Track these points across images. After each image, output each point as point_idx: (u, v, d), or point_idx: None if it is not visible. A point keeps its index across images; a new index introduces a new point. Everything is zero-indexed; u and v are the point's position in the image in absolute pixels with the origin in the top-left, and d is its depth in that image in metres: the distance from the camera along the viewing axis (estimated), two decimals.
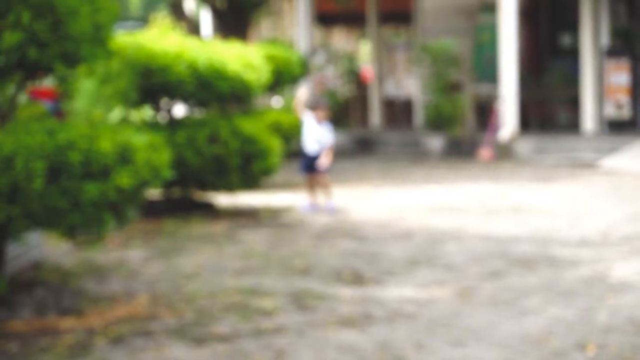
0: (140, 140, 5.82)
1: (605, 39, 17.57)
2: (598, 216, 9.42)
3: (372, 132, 20.40)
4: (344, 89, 20.76)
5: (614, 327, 5.30)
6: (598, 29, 17.55)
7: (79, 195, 5.51)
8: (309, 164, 10.47)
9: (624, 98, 17.02)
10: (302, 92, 11.25)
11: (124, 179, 5.60)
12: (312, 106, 10.53)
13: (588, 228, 8.73)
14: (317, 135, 10.38)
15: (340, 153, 18.98)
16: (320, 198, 10.42)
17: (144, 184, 5.84)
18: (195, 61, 9.59)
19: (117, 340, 5.33)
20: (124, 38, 9.43)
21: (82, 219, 5.62)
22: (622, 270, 6.82)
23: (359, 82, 23.80)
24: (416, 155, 16.96)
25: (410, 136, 18.25)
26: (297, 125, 13.70)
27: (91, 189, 5.52)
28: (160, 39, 9.80)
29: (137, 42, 9.52)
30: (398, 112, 22.72)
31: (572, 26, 19.80)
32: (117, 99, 8.37)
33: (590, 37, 17.42)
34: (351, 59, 20.59)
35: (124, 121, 7.18)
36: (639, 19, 19.24)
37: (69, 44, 5.84)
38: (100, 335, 5.45)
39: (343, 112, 20.61)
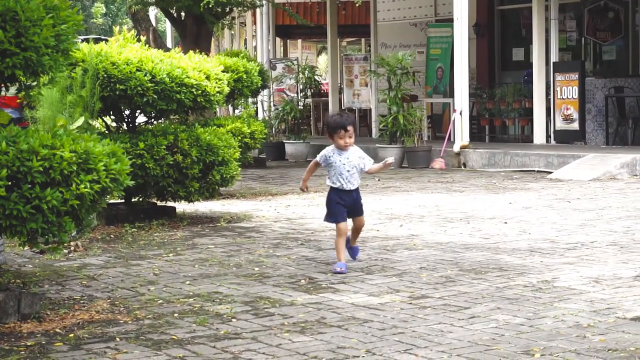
0: (101, 148, 5.96)
1: (555, 54, 17.93)
2: (547, 225, 9.68)
3: (330, 142, 20.53)
4: (303, 100, 20.94)
5: (560, 333, 5.50)
6: (549, 44, 17.91)
7: (40, 202, 5.64)
8: (341, 208, 7.58)
9: (573, 111, 17.36)
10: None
11: (84, 187, 5.73)
12: (332, 128, 7.58)
13: (537, 237, 8.97)
14: (349, 170, 7.56)
15: (298, 163, 19.16)
16: (342, 244, 7.61)
17: (104, 192, 5.98)
18: (156, 71, 9.75)
19: (77, 345, 5.45)
20: (87, 48, 9.56)
21: (42, 225, 5.74)
22: (569, 277, 7.05)
23: (318, 93, 24.01)
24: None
25: (367, 146, 18.46)
26: (257, 134, 13.88)
27: (52, 196, 5.65)
28: (122, 49, 9.95)
29: (99, 53, 9.66)
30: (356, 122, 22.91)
31: (525, 41, 20.16)
32: (80, 108, 8.48)
33: (541, 52, 17.76)
34: (311, 70, 20.78)
35: (86, 130, 7.30)
36: (588, 35, 19.62)
37: (32, 53, 5.97)
38: (59, 340, 5.57)
39: (302, 122, 20.78)
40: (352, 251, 7.94)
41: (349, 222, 7.80)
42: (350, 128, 7.55)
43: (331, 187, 7.65)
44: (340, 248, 7.59)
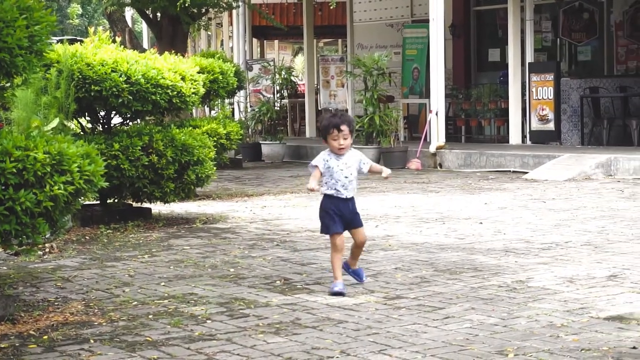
0: (75, 149, 5.94)
1: (530, 55, 18.03)
2: (522, 225, 9.72)
3: (306, 143, 20.58)
4: (279, 101, 20.94)
5: (534, 333, 5.52)
6: (524, 44, 18.00)
7: (14, 203, 5.62)
8: (335, 218, 6.78)
9: (548, 111, 17.46)
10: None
11: (58, 188, 5.71)
12: (324, 128, 6.80)
13: (512, 237, 9.01)
14: (347, 177, 6.78)
15: (275, 164, 19.15)
16: (338, 261, 6.83)
17: (78, 193, 5.96)
18: (131, 72, 9.73)
19: (50, 347, 5.43)
20: (62, 49, 9.53)
21: (16, 227, 5.72)
22: (543, 277, 7.08)
23: (294, 94, 24.01)
24: None
25: None
26: (233, 135, 13.87)
27: (25, 198, 5.63)
28: (97, 50, 9.92)
29: (74, 53, 9.63)
30: None
31: (501, 42, 20.25)
32: (54, 109, 8.45)
33: (517, 53, 17.84)
34: (287, 70, 20.79)
35: (61, 131, 7.27)
36: (563, 36, 19.73)
37: (5, 55, 5.94)
38: (33, 342, 5.54)
39: (278, 123, 20.78)
40: (356, 275, 7.02)
41: (348, 238, 6.93)
42: (344, 128, 6.70)
43: (325, 195, 6.80)
44: (336, 265, 6.76)
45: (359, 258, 7.09)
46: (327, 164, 6.75)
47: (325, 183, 6.81)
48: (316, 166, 6.76)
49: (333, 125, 6.71)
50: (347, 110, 21.69)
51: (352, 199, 6.84)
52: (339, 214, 6.76)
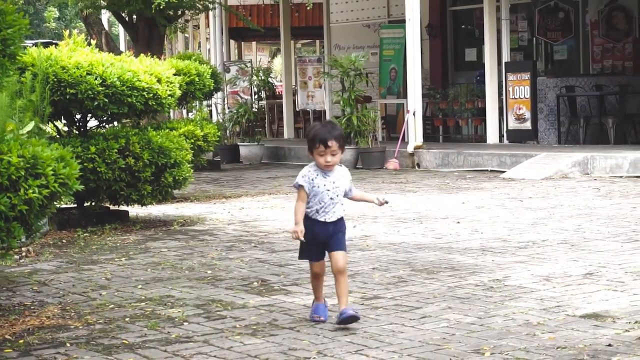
0: (49, 153, 5.91)
1: (507, 54, 18.10)
2: (499, 224, 9.75)
3: (284, 144, 20.59)
4: (257, 102, 20.92)
5: (510, 331, 5.54)
6: (500, 44, 18.06)
7: None
8: (313, 245, 5.84)
9: (525, 110, 17.53)
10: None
11: (32, 192, 5.69)
12: (310, 141, 5.88)
13: (489, 236, 9.04)
14: (332, 198, 5.85)
15: (253, 165, 19.14)
16: (317, 283, 5.99)
17: (53, 196, 5.94)
18: (106, 75, 9.69)
19: (26, 351, 5.41)
20: (36, 52, 9.48)
21: None
22: (520, 276, 7.11)
23: (272, 95, 23.99)
24: None
25: None
26: (210, 137, 13.85)
27: (0, 201, 5.60)
28: (72, 53, 9.88)
29: (49, 56, 9.59)
30: (311, 124, 22.90)
31: (477, 41, 20.33)
32: (30, 113, 8.41)
33: (493, 52, 17.91)
34: (265, 72, 20.77)
35: (36, 134, 7.23)
36: (539, 35, 19.82)
37: None
38: (9, 346, 5.52)
39: (256, 125, 20.76)
40: (343, 317, 5.70)
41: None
42: (332, 144, 5.76)
43: (305, 215, 5.82)
44: (315, 286, 5.97)
45: (345, 294, 5.78)
46: (312, 182, 5.81)
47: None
48: (301, 186, 5.82)
49: (320, 139, 5.76)
50: (325, 112, 21.72)
51: (335, 222, 5.84)
52: (312, 239, 5.78)
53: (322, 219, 5.82)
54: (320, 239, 5.83)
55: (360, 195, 6.13)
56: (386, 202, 6.10)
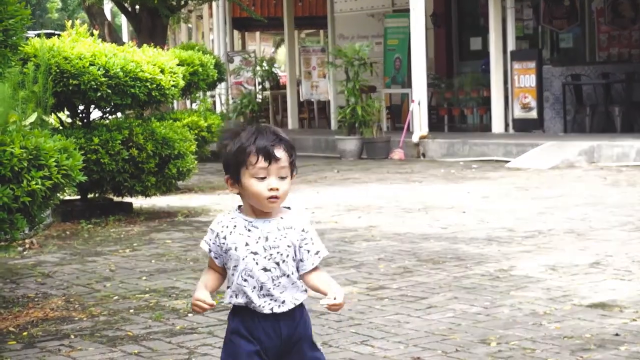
0: (52, 144, 5.88)
1: (512, 43, 18.02)
2: (505, 214, 9.70)
3: (288, 134, 20.53)
4: (261, 93, 20.88)
5: (516, 321, 5.51)
6: (506, 33, 17.99)
7: None
8: (247, 355, 3.21)
9: (531, 99, 17.46)
10: None
11: (35, 183, 5.65)
12: (234, 156, 3.21)
13: (495, 225, 8.99)
14: (264, 267, 3.22)
15: None
16: None
17: (56, 188, 5.90)
18: (109, 66, 9.64)
19: (30, 343, 5.38)
20: (39, 43, 9.43)
21: None
22: (526, 265, 7.07)
23: (276, 85, 23.94)
24: (331, 156, 17.17)
25: (326, 138, 18.44)
26: (214, 128, 13.81)
27: (2, 193, 5.56)
28: (75, 43, 9.83)
29: (51, 47, 9.54)
30: (315, 114, 22.87)
31: (482, 30, 20.24)
32: (32, 104, 8.38)
33: (499, 41, 17.83)
34: (269, 62, 20.71)
35: (39, 126, 7.20)
36: (545, 23, 19.73)
37: None
38: (13, 338, 5.49)
39: (260, 115, 20.73)
40: None
41: None
42: (281, 154, 3.22)
43: (232, 307, 3.29)
44: None
45: None
46: (224, 242, 3.23)
47: (229, 283, 3.28)
48: (209, 251, 3.27)
49: (260, 148, 3.18)
50: (329, 102, 21.59)
51: (289, 313, 3.29)
52: (254, 349, 3.22)
53: (263, 309, 3.22)
54: (264, 346, 3.23)
55: (318, 281, 3.37)
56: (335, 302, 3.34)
